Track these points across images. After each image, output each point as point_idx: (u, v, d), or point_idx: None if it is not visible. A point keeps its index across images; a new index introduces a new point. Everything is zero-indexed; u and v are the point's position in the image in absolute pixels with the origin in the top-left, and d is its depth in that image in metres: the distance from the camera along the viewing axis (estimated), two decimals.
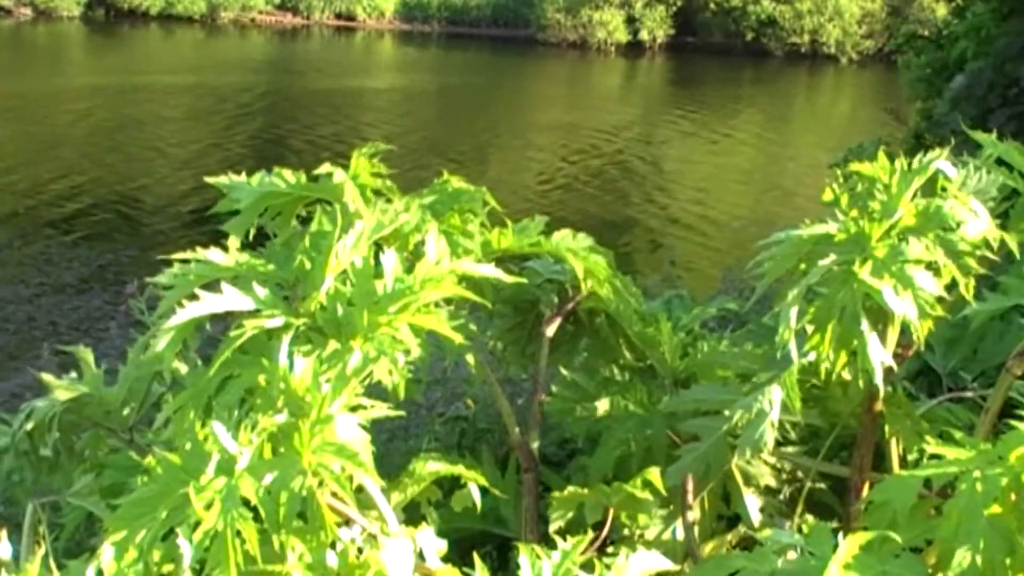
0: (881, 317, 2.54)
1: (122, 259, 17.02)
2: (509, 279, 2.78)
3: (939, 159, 2.63)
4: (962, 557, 2.10)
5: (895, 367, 2.60)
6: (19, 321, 14.34)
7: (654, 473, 2.95)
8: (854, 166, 2.70)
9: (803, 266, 2.56)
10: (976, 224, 2.50)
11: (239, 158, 23.46)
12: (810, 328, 2.51)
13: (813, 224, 2.55)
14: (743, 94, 38.31)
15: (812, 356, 2.54)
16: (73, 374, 3.17)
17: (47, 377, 3.09)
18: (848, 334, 2.47)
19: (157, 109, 29.17)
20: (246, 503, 2.06)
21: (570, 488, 2.99)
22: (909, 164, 2.62)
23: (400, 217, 2.75)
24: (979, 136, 2.75)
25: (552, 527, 2.96)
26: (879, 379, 2.48)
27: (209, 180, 2.87)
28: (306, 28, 48.60)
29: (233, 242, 2.82)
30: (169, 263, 2.59)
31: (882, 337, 2.52)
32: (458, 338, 2.48)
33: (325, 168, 2.90)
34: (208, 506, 2.04)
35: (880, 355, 2.48)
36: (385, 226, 2.65)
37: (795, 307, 2.47)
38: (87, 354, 3.16)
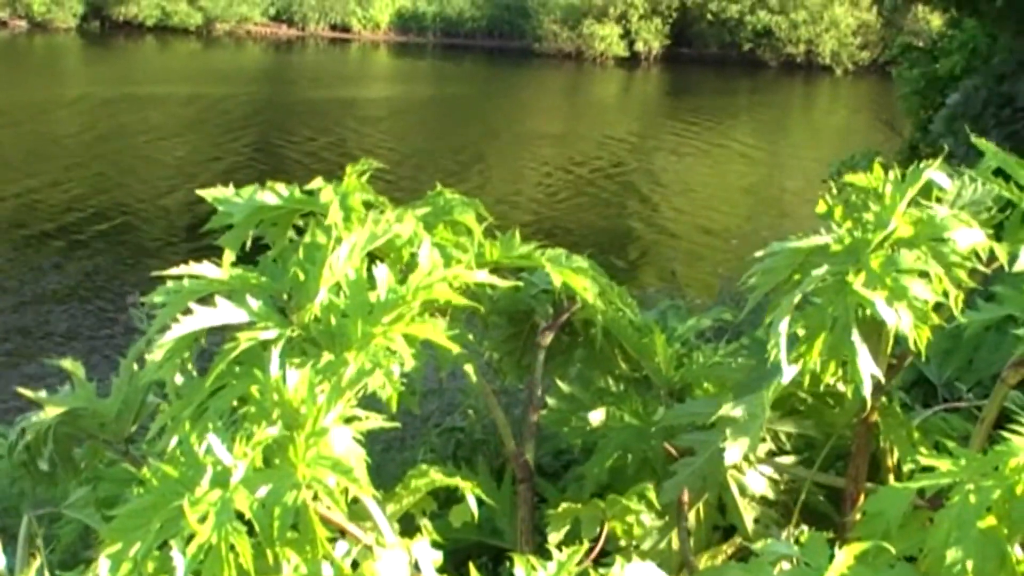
0: (875, 328, 2.54)
1: (118, 269, 17.02)
2: (503, 283, 2.79)
3: (933, 170, 2.63)
4: (952, 567, 2.10)
5: (883, 380, 2.60)
6: (10, 331, 14.31)
7: (651, 490, 2.95)
8: (848, 177, 2.70)
9: (797, 276, 2.56)
10: (968, 235, 2.50)
11: (234, 168, 23.47)
12: (801, 335, 2.50)
13: (806, 236, 2.55)
14: (739, 104, 38.38)
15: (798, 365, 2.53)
16: (67, 386, 3.17)
17: (36, 394, 3.08)
18: (838, 344, 2.47)
19: (152, 120, 29.18)
20: (240, 516, 2.07)
21: (565, 504, 2.99)
22: (903, 174, 2.62)
23: (394, 228, 2.76)
24: (980, 143, 2.76)
25: (551, 542, 2.96)
26: (867, 391, 2.48)
27: (200, 193, 2.87)
28: (301, 40, 48.67)
29: (227, 256, 2.83)
30: (163, 280, 2.60)
31: (875, 348, 2.52)
32: (453, 347, 2.48)
33: (317, 182, 2.91)
34: (202, 519, 2.05)
35: (869, 367, 2.47)
36: (378, 237, 2.66)
37: (786, 317, 2.47)
38: (78, 368, 3.16)
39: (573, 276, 3.04)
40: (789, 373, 2.51)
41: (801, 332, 2.49)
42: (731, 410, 2.65)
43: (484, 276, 2.71)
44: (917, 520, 2.37)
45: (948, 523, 2.14)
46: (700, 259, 18.77)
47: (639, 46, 46.78)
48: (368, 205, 2.91)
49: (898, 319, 2.41)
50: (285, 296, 2.62)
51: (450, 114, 33.18)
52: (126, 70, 39.09)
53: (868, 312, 2.44)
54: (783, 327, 2.46)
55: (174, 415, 2.50)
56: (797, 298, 2.47)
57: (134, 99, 31.45)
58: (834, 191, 2.74)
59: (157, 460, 2.25)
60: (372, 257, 2.66)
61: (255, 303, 2.51)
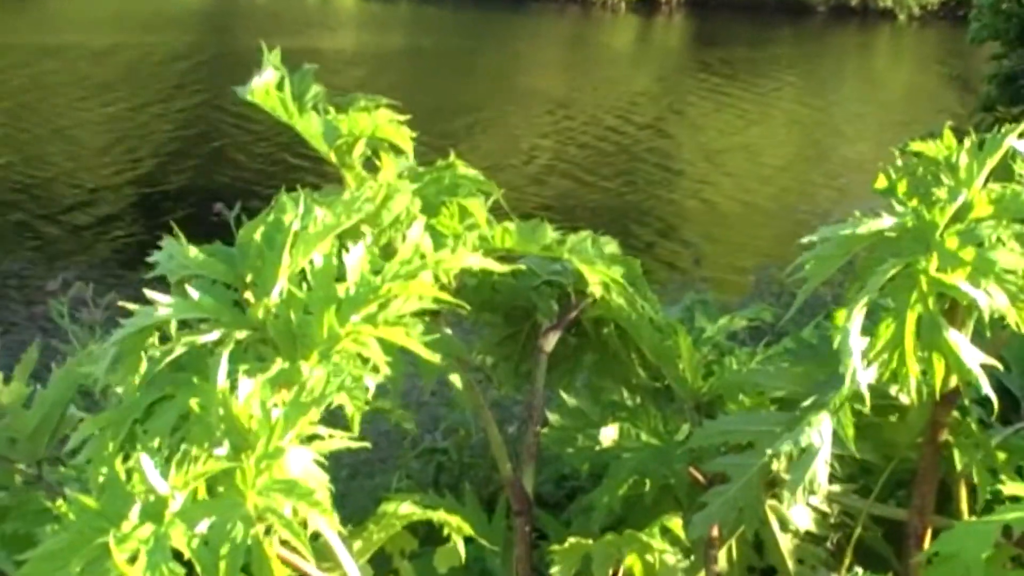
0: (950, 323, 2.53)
1: (33, 257, 16.98)
2: (501, 267, 2.76)
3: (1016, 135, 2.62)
4: None
5: (999, 366, 2.58)
6: None
7: (674, 520, 2.94)
8: (914, 146, 2.69)
9: (855, 264, 2.55)
10: None
11: (173, 136, 23.46)
12: (879, 352, 2.48)
13: (863, 219, 2.54)
14: (780, 57, 38.32)
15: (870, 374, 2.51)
16: None
17: None
18: (934, 345, 2.45)
19: (73, 76, 29.12)
20: (178, 556, 2.05)
21: (573, 540, 2.98)
22: (980, 142, 2.61)
23: (366, 207, 2.74)
24: None
25: None
26: (987, 387, 2.47)
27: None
28: None
29: None
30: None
31: None
32: (434, 358, 2.47)
33: None
34: (132, 560, 2.03)
35: (977, 357, 2.46)
36: (352, 215, 2.63)
37: (856, 330, 2.44)
38: None
39: (608, 273, 3.02)
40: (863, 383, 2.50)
41: (882, 348, 2.47)
42: (787, 440, 2.64)
43: (477, 260, 2.68)
44: (997, 561, 2.37)
45: None
46: (738, 243, 18.77)
47: None
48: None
49: (990, 299, 2.40)
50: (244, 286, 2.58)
51: (434, 70, 33.13)
52: (42, 15, 39.01)
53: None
54: (855, 344, 2.44)
55: (99, 427, 2.48)
56: (863, 310, 2.45)
57: (56, 50, 31.38)
58: (897, 162, 2.73)
59: (77, 489, 2.24)
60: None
61: (196, 295, 2.49)
